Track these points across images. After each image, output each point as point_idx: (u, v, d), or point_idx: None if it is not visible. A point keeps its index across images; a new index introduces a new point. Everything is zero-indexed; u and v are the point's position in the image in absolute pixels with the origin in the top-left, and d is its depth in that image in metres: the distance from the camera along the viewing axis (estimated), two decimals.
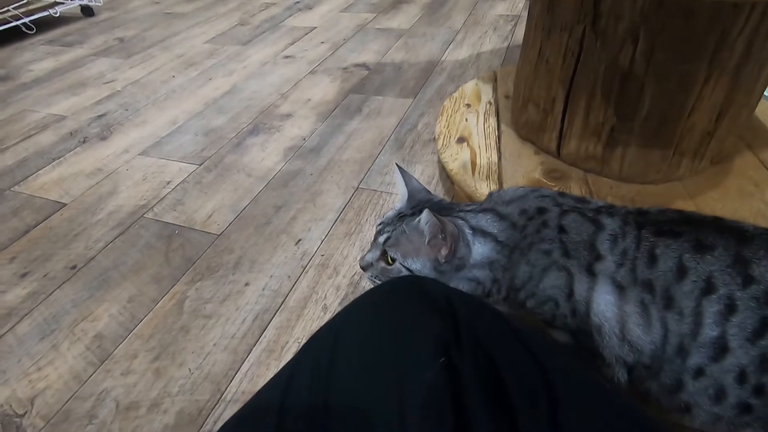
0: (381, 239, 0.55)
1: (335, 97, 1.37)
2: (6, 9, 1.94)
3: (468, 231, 0.52)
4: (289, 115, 1.29)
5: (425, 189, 0.61)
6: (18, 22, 1.98)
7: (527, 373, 0.35)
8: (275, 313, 0.72)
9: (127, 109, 1.40)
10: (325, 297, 0.74)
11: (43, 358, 0.69)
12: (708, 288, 0.40)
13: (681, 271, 0.41)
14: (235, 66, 1.64)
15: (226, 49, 1.79)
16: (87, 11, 2.32)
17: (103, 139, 1.26)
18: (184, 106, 1.39)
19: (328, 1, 2.27)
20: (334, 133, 1.19)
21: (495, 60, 1.50)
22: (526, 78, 0.92)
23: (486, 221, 0.52)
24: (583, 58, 0.75)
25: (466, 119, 1.04)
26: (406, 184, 0.59)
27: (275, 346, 0.67)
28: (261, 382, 0.63)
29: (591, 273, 0.45)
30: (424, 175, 1.01)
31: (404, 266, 0.53)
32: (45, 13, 2.08)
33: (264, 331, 0.70)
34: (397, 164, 0.62)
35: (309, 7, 2.21)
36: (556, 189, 0.81)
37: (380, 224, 0.57)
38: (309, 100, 1.37)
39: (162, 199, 1.00)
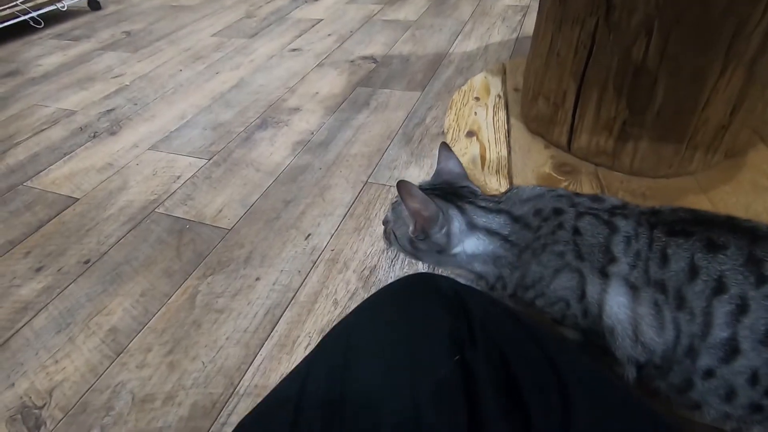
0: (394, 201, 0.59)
1: (343, 90, 1.37)
2: (14, 3, 1.95)
3: (460, 224, 0.52)
4: (296, 109, 1.29)
5: (462, 173, 0.60)
6: (26, 17, 1.99)
7: (539, 370, 0.35)
8: (286, 308, 0.73)
9: (135, 104, 1.41)
10: (336, 292, 0.75)
11: (60, 351, 0.70)
12: (719, 288, 0.40)
13: (693, 271, 0.41)
14: (242, 59, 1.64)
15: (233, 42, 1.79)
16: (94, 5, 2.32)
17: (113, 133, 1.27)
18: (191, 100, 1.40)
19: None
20: (342, 127, 1.19)
21: (504, 52, 1.49)
22: (536, 71, 0.91)
23: (497, 222, 0.52)
24: (596, 51, 0.75)
25: (475, 113, 1.03)
26: (439, 162, 0.62)
27: (287, 341, 0.68)
28: (273, 376, 0.64)
29: (604, 275, 0.45)
30: (433, 169, 1.00)
31: (393, 231, 0.58)
32: (52, 7, 2.08)
33: (275, 325, 0.70)
34: (442, 143, 0.63)
35: None
36: (566, 183, 0.81)
37: None
38: (316, 93, 1.37)
39: (172, 194, 1.01)
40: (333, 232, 0.87)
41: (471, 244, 0.52)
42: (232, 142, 1.17)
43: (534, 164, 0.86)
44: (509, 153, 0.90)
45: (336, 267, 0.79)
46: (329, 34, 1.77)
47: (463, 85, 1.19)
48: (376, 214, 0.89)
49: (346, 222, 0.89)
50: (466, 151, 0.91)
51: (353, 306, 0.72)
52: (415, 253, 0.57)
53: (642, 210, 0.48)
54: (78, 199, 1.02)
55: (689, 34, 0.65)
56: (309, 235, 0.87)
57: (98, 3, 2.33)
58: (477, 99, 1.09)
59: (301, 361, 0.39)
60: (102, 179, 1.08)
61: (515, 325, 0.39)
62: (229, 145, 1.16)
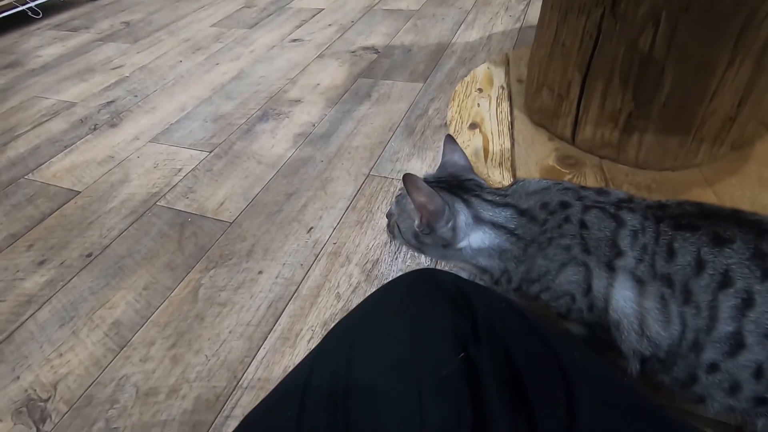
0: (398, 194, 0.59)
1: (344, 81, 1.35)
2: None
3: (466, 218, 0.52)
4: (298, 101, 1.28)
5: (467, 166, 0.60)
6: (24, 7, 1.97)
7: (544, 366, 0.35)
8: (289, 301, 0.73)
9: (135, 96, 1.40)
10: (338, 285, 0.75)
11: (64, 345, 0.70)
12: (725, 282, 0.39)
13: (699, 265, 0.41)
14: (242, 50, 1.62)
15: (233, 33, 1.77)
16: None
17: (113, 126, 1.26)
18: (192, 92, 1.39)
19: None
20: (344, 119, 1.18)
21: (507, 42, 1.47)
22: (540, 61, 0.89)
23: (503, 216, 0.51)
24: (601, 41, 0.73)
25: (478, 104, 1.02)
26: (444, 155, 0.61)
27: (290, 334, 0.68)
28: (276, 370, 0.64)
29: (611, 269, 0.44)
30: (436, 161, 1.00)
31: (397, 224, 0.57)
32: None
33: (278, 318, 0.71)
34: (448, 135, 0.62)
35: None
36: (569, 176, 0.80)
37: None
38: (318, 84, 1.35)
39: (174, 186, 1.01)
40: (335, 225, 0.86)
41: (477, 238, 0.52)
42: (233, 134, 1.17)
43: (537, 157, 0.86)
44: (512, 145, 0.89)
45: (338, 260, 0.79)
46: (330, 24, 1.75)
47: (465, 76, 1.17)
48: (378, 207, 0.89)
49: (348, 215, 0.88)
50: (468, 144, 0.90)
51: (356, 299, 0.72)
52: (419, 247, 0.56)
53: (648, 203, 0.48)
54: (79, 192, 1.02)
55: (698, 23, 0.64)
56: (311, 228, 0.86)
57: None
58: (480, 90, 1.08)
59: (306, 356, 0.39)
60: (103, 172, 1.08)
61: (519, 321, 0.39)
62: (230, 138, 1.15)
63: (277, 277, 0.77)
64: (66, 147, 1.18)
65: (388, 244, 0.80)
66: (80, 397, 0.63)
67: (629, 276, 0.43)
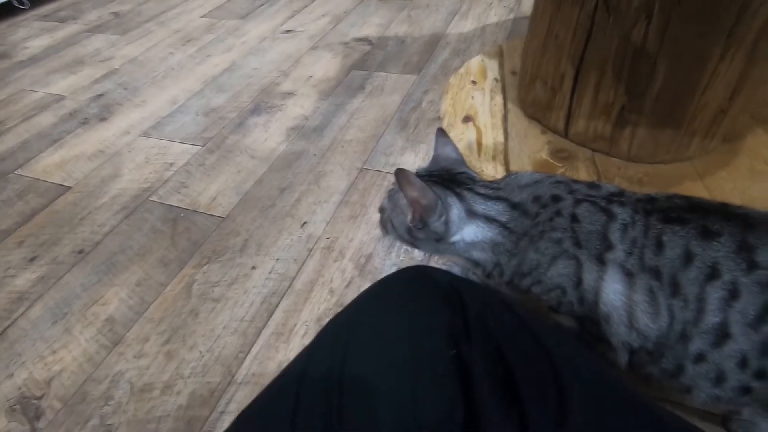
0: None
1: (337, 74, 1.34)
2: None
3: (459, 212, 0.52)
4: (290, 94, 1.27)
5: (459, 159, 0.60)
6: None
7: (535, 363, 0.36)
8: (282, 297, 0.73)
9: (126, 89, 1.38)
10: (332, 280, 0.75)
11: (57, 342, 0.70)
12: (712, 274, 0.40)
13: (687, 258, 0.41)
14: (234, 41, 1.60)
15: (224, 24, 1.74)
16: None
17: (103, 119, 1.24)
18: (183, 85, 1.37)
19: None
20: (337, 112, 1.17)
21: (501, 33, 1.46)
22: (533, 54, 0.89)
23: (496, 209, 0.51)
24: (594, 33, 0.73)
25: (472, 97, 1.02)
26: (436, 149, 0.61)
27: (284, 329, 0.68)
28: (270, 365, 0.64)
29: (601, 262, 0.45)
30: (429, 155, 0.99)
31: (390, 219, 0.57)
32: None
33: (272, 314, 0.71)
34: (439, 128, 0.62)
35: None
36: (562, 169, 0.80)
37: None
38: (310, 77, 1.34)
39: (166, 181, 1.00)
40: (328, 219, 0.86)
41: (470, 232, 0.52)
42: (225, 128, 1.16)
43: (530, 150, 0.86)
44: (506, 139, 0.89)
45: (332, 255, 0.79)
46: (323, 15, 1.73)
47: (459, 68, 1.17)
48: (371, 202, 0.89)
49: (341, 209, 0.88)
50: (462, 137, 0.90)
51: (350, 294, 0.72)
52: (412, 242, 0.57)
53: (638, 197, 0.48)
54: (70, 188, 1.01)
55: (691, 16, 0.63)
56: (305, 222, 0.86)
57: None
58: (474, 83, 1.07)
59: (301, 352, 0.39)
60: (94, 167, 1.07)
61: (511, 318, 0.40)
62: (222, 131, 1.14)
63: (270, 273, 0.77)
64: (55, 141, 1.17)
65: (382, 239, 0.80)
66: (74, 393, 0.63)
67: (619, 269, 0.44)
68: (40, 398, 0.63)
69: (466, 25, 1.53)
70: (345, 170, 0.98)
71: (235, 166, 1.02)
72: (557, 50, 0.81)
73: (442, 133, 0.61)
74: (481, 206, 0.52)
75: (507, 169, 0.82)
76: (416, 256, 0.77)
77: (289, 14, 1.77)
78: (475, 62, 1.15)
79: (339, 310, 0.42)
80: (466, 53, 1.36)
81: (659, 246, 0.43)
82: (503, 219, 0.51)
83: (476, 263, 0.55)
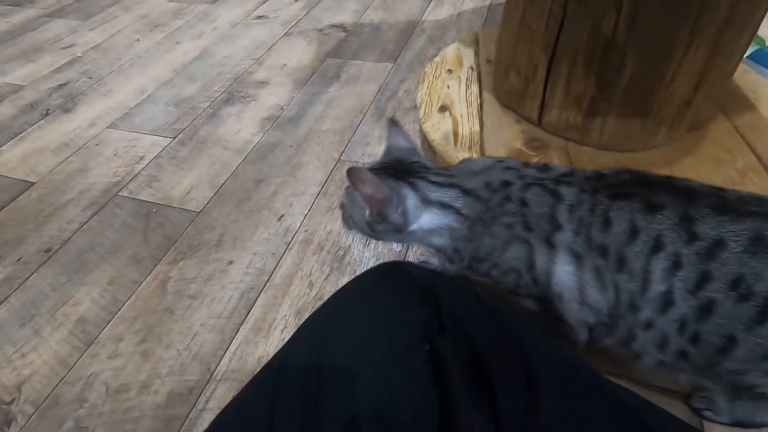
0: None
1: (312, 62, 1.32)
2: None
3: (414, 201, 0.52)
4: (264, 83, 1.24)
5: (411, 148, 0.60)
6: None
7: (504, 349, 0.37)
8: (261, 291, 0.73)
9: (90, 77, 1.32)
10: (311, 273, 0.75)
11: (26, 345, 0.68)
12: (657, 246, 0.42)
13: (633, 232, 0.43)
14: (204, 28, 1.55)
15: (193, 9, 1.68)
16: None
17: (67, 111, 1.19)
18: (151, 74, 1.32)
19: None
20: (313, 102, 1.15)
21: (477, 20, 1.46)
22: (507, 43, 0.89)
23: (449, 196, 0.52)
24: (566, 24, 0.74)
25: (448, 86, 1.02)
26: (388, 139, 0.60)
27: (263, 324, 0.68)
28: (250, 360, 0.64)
29: (551, 245, 0.46)
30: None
31: (350, 215, 0.57)
32: None
33: (251, 309, 0.70)
34: (391, 119, 0.61)
35: None
36: (536, 159, 0.81)
37: None
38: (285, 65, 1.31)
39: (136, 175, 0.97)
40: (306, 212, 0.86)
41: (427, 220, 0.53)
42: (197, 119, 1.12)
43: (505, 140, 0.86)
44: (482, 128, 0.89)
45: (310, 248, 0.79)
46: (296, 0, 1.69)
47: (435, 55, 1.16)
48: None
49: (319, 201, 0.88)
50: (438, 127, 0.90)
51: (329, 287, 0.72)
52: (374, 235, 0.57)
53: (587, 175, 0.49)
54: (34, 183, 0.97)
55: (658, 7, 0.65)
56: (282, 216, 0.85)
57: None
58: (450, 71, 1.07)
59: (279, 350, 0.40)
60: (59, 161, 1.02)
61: (481, 307, 0.41)
62: (194, 123, 1.11)
63: (248, 267, 0.76)
64: (16, 135, 1.11)
65: None
66: (47, 397, 0.62)
67: (568, 251, 0.45)
68: (10, 403, 0.62)
69: (442, 12, 1.52)
70: (322, 161, 0.97)
71: (209, 159, 1.00)
72: (530, 40, 0.82)
73: (393, 123, 0.61)
74: (435, 194, 0.53)
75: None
76: (395, 247, 0.78)
77: None
78: (451, 50, 1.15)
79: (319, 303, 0.43)
80: (442, 40, 1.35)
81: (606, 222, 0.44)
82: (457, 205, 0.52)
83: (438, 249, 0.56)
